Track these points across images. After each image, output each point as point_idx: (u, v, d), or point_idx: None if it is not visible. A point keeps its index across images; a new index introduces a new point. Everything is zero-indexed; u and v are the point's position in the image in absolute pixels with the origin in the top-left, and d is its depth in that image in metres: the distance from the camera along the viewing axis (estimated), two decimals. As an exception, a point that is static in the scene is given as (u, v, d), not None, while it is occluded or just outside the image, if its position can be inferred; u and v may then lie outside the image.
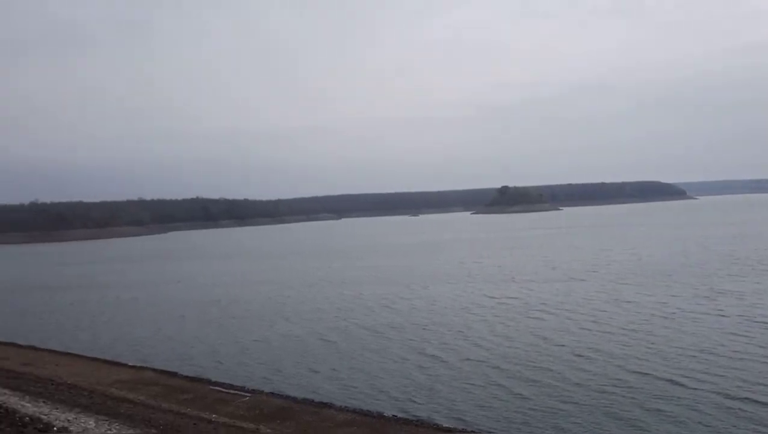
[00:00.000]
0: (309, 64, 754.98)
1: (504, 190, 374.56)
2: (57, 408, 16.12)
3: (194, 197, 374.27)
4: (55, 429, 12.18)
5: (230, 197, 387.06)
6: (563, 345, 35.41)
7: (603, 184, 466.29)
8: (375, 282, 68.26)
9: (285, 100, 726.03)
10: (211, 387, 30.59)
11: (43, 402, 17.55)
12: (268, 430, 22.74)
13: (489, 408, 25.52)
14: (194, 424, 21.26)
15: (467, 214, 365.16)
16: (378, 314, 48.40)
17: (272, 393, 29.23)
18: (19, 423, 12.00)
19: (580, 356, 32.92)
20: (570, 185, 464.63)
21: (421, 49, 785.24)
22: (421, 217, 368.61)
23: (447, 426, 23.71)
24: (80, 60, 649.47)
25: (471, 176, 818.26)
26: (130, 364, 36.39)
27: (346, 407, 26.67)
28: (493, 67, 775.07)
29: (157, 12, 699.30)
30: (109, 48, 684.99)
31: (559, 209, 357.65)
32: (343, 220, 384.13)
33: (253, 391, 29.55)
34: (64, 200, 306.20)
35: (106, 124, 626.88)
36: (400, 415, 25.41)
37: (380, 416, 25.39)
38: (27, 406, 15.14)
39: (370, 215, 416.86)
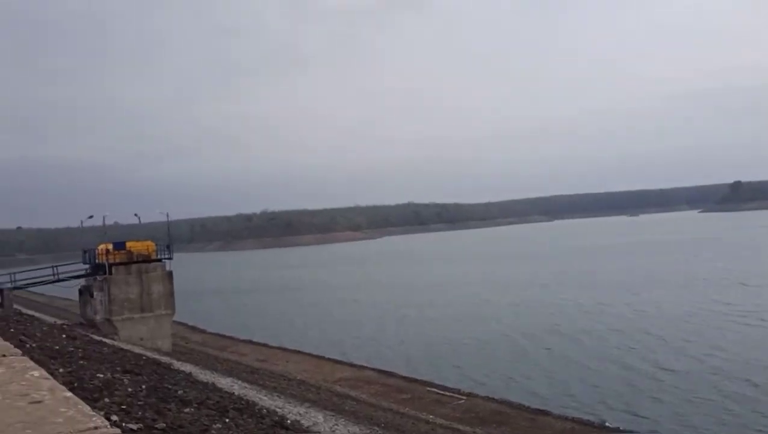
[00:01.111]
0: (519, 62, 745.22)
1: (737, 185, 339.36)
2: (289, 402, 17.47)
3: (407, 202, 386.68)
4: (288, 421, 13.18)
5: (441, 201, 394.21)
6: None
7: None
8: (588, 286, 65.50)
9: (493, 100, 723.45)
10: (428, 388, 31.34)
11: (277, 395, 19.10)
12: (484, 434, 22.80)
13: (721, 425, 23.43)
14: (413, 423, 21.89)
15: (694, 213, 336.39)
16: (592, 320, 46.48)
17: (487, 397, 29.26)
18: (258, 415, 13.13)
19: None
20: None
21: (631, 37, 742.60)
22: (642, 217, 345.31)
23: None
24: (300, 78, 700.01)
25: (698, 172, 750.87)
26: (351, 363, 38.46)
27: (564, 415, 25.92)
28: (720, 52, 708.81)
29: (366, 28, 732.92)
30: (324, 65, 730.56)
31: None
32: (556, 222, 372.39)
33: (468, 394, 29.80)
34: (290, 208, 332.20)
35: (324, 134, 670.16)
36: (623, 427, 24.22)
37: (602, 427, 24.36)
38: (264, 399, 16.55)
39: (585, 217, 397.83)
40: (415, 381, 33.14)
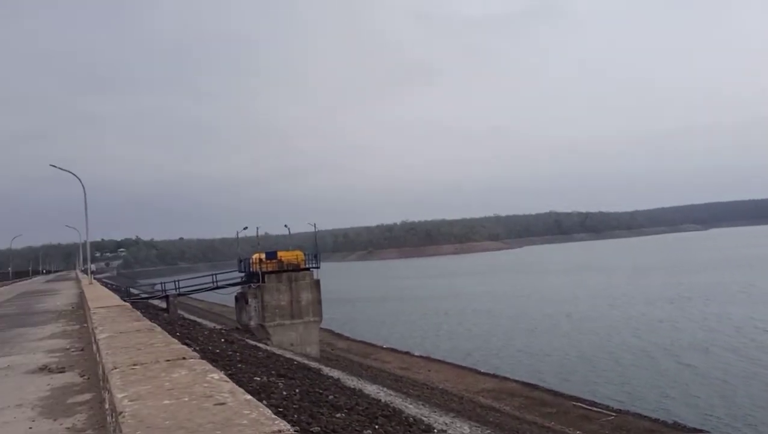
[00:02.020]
0: (664, 68, 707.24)
1: None
2: (434, 411, 17.53)
3: (548, 211, 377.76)
4: (435, 431, 13.23)
5: (584, 209, 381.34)
6: None
7: None
8: (740, 300, 60.36)
9: (636, 105, 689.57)
10: (574, 403, 30.28)
11: (422, 404, 19.22)
12: (637, 453, 21.66)
13: None
14: (559, 439, 21.23)
15: None
16: (743, 336, 42.85)
17: (638, 414, 27.82)
18: (405, 423, 13.29)
19: None
20: None
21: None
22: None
23: None
24: (436, 88, 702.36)
25: None
26: (493, 374, 37.92)
27: (725, 437, 24.18)
28: None
29: (501, 38, 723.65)
30: (458, 75, 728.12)
31: None
32: (711, 231, 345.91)
33: (618, 410, 28.48)
34: (429, 218, 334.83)
35: (461, 144, 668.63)
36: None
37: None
38: (410, 407, 16.72)
39: (745, 225, 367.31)
40: (561, 394, 32.12)
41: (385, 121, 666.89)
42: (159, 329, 7.81)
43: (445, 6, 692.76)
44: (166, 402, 3.63)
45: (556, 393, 32.41)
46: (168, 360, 5.11)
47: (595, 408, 28.92)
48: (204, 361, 4.96)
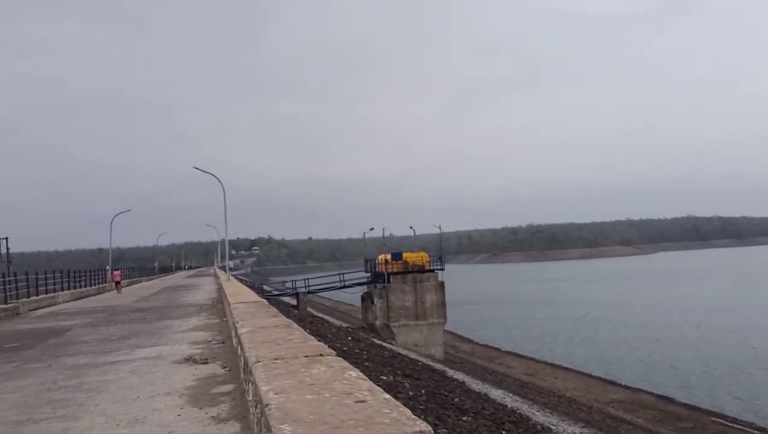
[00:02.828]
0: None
1: None
2: (563, 420, 17.06)
3: (685, 215, 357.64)
4: (564, 440, 12.87)
5: (726, 214, 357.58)
6: None
7: None
8: None
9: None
10: (712, 418, 28.52)
11: (549, 412, 18.75)
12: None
13: None
14: (697, 457, 20.07)
15: None
16: None
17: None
18: (533, 430, 13.03)
19: None
20: None
21: None
22: None
23: None
24: (563, 90, 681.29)
25: None
26: (624, 385, 36.38)
27: None
28: None
29: (632, 37, 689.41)
30: (588, 76, 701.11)
31: None
32: None
33: (761, 428, 26.53)
34: (556, 221, 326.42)
35: (590, 146, 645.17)
36: None
37: None
38: (537, 415, 16.38)
39: None
40: (697, 409, 30.36)
41: (510, 122, 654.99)
42: (295, 325, 8.12)
43: (573, 3, 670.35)
44: (309, 396, 3.74)
45: (691, 407, 30.70)
46: (307, 356, 5.28)
47: (736, 425, 27.09)
48: (340, 358, 5.09)
